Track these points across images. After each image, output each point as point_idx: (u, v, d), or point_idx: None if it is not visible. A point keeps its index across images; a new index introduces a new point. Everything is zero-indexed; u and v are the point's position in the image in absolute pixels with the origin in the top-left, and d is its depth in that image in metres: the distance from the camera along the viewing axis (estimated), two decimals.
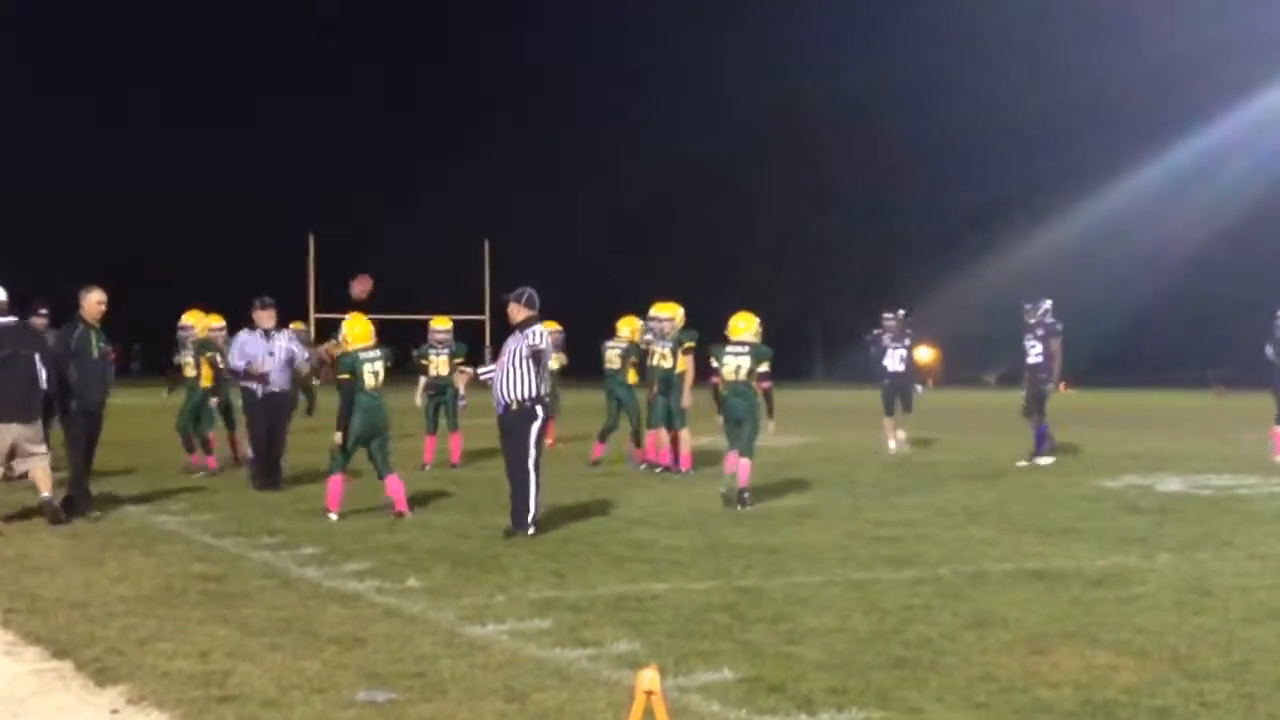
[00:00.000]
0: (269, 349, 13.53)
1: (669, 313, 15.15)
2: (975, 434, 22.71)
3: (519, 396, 10.13)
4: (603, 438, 16.56)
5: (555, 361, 16.43)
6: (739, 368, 12.08)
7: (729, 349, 12.23)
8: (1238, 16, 58.03)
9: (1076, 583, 8.03)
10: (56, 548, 9.49)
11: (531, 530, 9.91)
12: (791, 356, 69.30)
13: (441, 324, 16.61)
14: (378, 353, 11.36)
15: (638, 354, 16.30)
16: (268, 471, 13.32)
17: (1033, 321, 16.83)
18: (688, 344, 14.96)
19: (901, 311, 19.08)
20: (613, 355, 16.78)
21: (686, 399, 14.84)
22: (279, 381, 13.60)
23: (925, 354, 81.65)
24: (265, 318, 13.65)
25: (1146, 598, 7.56)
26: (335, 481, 11.08)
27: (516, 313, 10.35)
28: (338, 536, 9.93)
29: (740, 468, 11.99)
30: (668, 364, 15.00)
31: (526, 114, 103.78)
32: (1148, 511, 11.62)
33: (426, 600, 7.47)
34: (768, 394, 12.05)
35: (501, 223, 65.00)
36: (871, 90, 72.82)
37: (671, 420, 15.12)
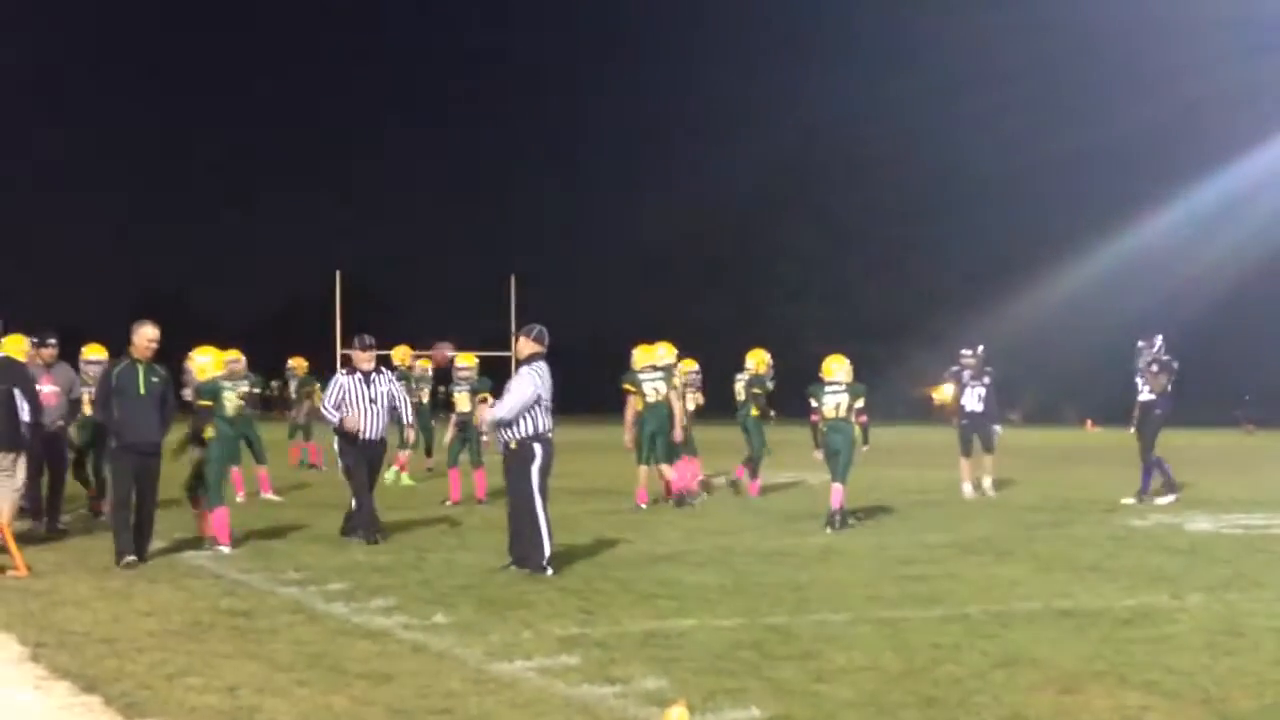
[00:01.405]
0: (369, 396, 12.09)
1: (658, 354, 15.83)
2: (1001, 471, 22.55)
3: (519, 435, 10.04)
4: (754, 473, 17.07)
5: (692, 401, 17.08)
6: (839, 405, 13.53)
7: (828, 388, 13.64)
8: (1261, 58, 58.05)
9: (1106, 622, 7.98)
10: (85, 582, 9.52)
11: (549, 571, 9.75)
12: None
13: (466, 361, 16.79)
14: (235, 383, 11.49)
15: (761, 386, 17.25)
16: (370, 520, 11.94)
17: (1147, 359, 16.64)
18: (675, 382, 15.72)
19: (980, 348, 18.09)
20: (739, 388, 17.35)
21: (678, 433, 15.57)
22: (378, 430, 12.15)
23: (949, 392, 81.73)
24: (364, 359, 12.31)
25: (1177, 638, 7.50)
26: (222, 514, 11.28)
27: (525, 347, 10.30)
28: (364, 572, 9.94)
29: (834, 492, 13.32)
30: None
31: (555, 159, 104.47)
32: (1177, 551, 11.53)
33: (453, 637, 7.46)
34: (864, 425, 13.56)
35: (528, 262, 65.33)
36: (891, 132, 73.05)
37: (671, 453, 15.63)
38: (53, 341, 13.37)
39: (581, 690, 6.20)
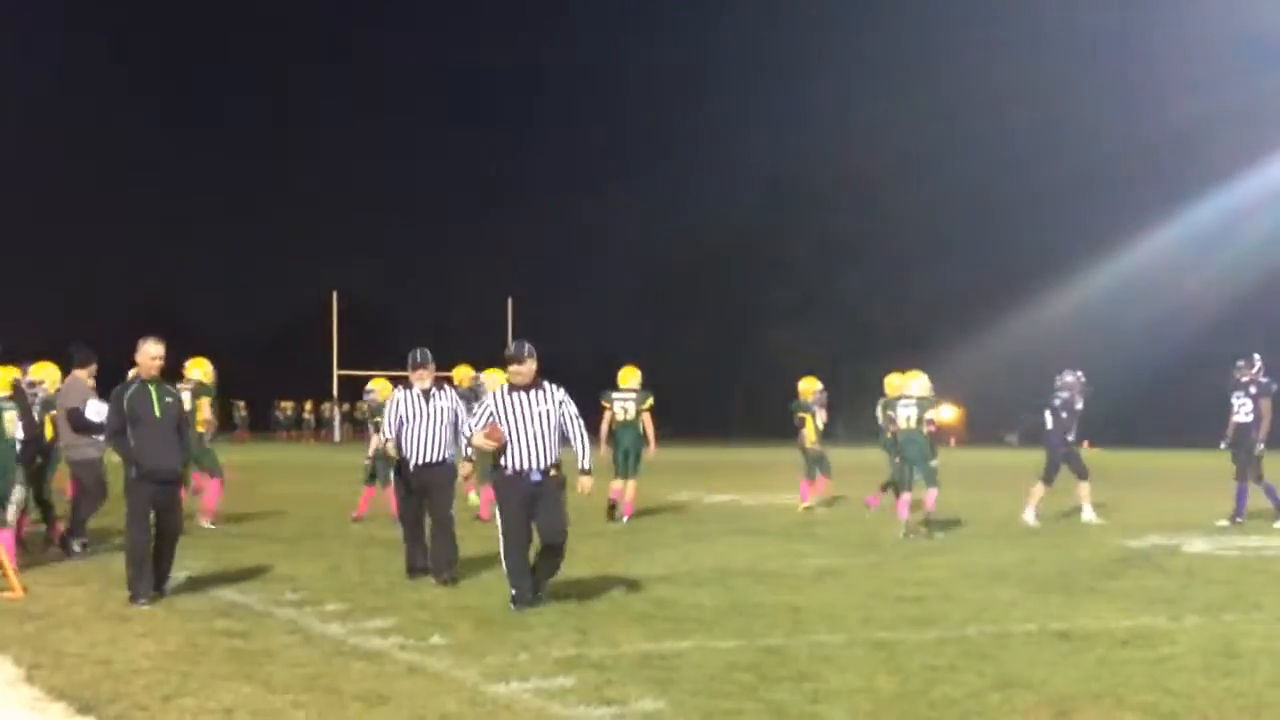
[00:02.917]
0: (426, 412, 11.01)
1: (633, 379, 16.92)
2: (998, 493, 22.57)
3: (554, 460, 9.50)
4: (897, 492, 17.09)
5: (820, 419, 18.71)
6: (909, 417, 14.97)
7: (900, 402, 15.19)
8: (1256, 80, 58.29)
9: (1102, 644, 7.98)
10: (81, 604, 9.52)
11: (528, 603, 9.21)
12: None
13: (464, 382, 16.90)
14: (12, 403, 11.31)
15: (805, 410, 18.54)
16: (423, 554, 10.98)
17: (1245, 379, 16.49)
18: (649, 403, 16.76)
19: (1080, 373, 17.25)
20: (880, 412, 17.76)
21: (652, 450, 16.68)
22: (437, 452, 10.96)
23: (948, 414, 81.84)
24: (416, 377, 11.16)
25: (1174, 659, 7.51)
26: (7, 536, 10.95)
27: (529, 368, 9.51)
28: (361, 593, 9.94)
29: (927, 495, 14.88)
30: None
31: (550, 178, 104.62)
32: (1174, 572, 11.54)
33: (450, 658, 7.46)
34: (931, 436, 14.90)
35: (525, 283, 65.47)
36: (889, 151, 73.18)
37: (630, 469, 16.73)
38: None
39: (578, 712, 6.20)
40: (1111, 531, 15.42)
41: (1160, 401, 61.84)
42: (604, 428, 16.79)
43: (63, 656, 7.51)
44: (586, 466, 9.61)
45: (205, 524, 15.16)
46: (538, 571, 9.51)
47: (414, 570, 10.91)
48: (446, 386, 11.44)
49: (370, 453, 16.32)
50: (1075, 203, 69.11)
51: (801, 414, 18.80)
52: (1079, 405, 16.89)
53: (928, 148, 71.03)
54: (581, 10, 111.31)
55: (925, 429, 14.90)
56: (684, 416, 25.73)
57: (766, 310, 74.87)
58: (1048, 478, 16.72)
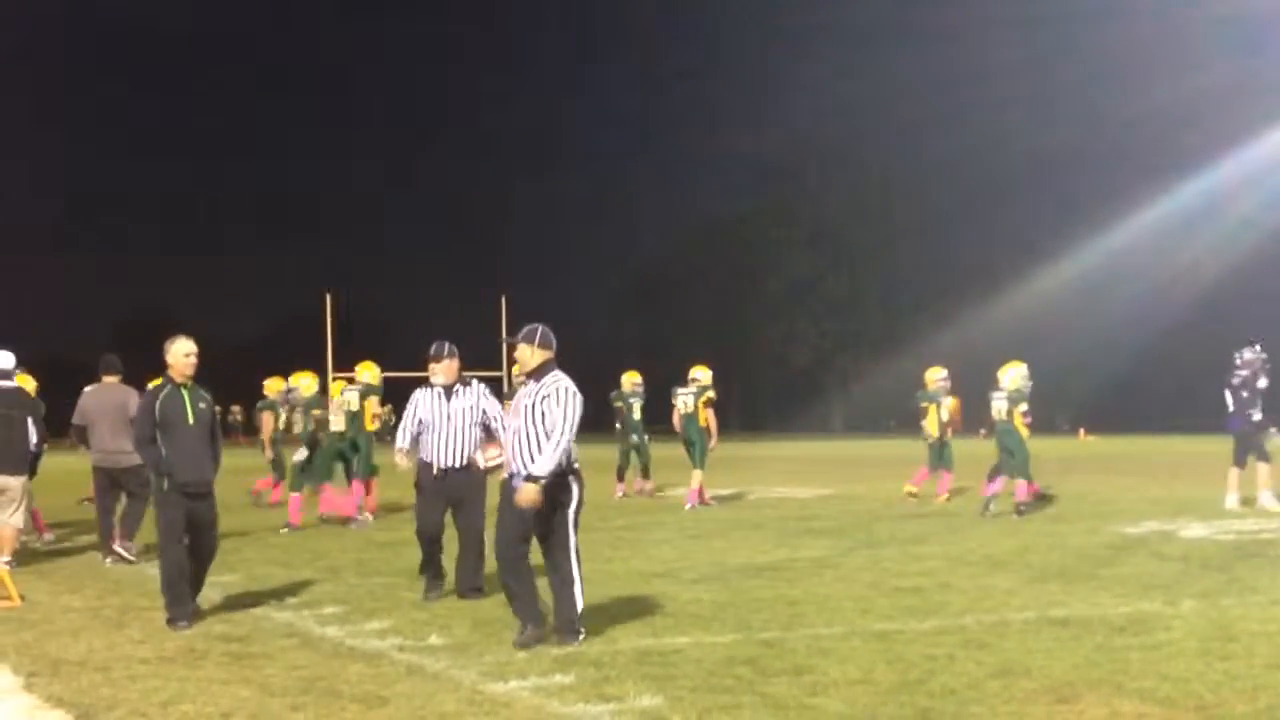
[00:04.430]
0: (446, 412, 9.85)
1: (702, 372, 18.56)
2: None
3: (471, 458, 9.51)
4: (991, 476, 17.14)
5: (946, 411, 18.62)
6: (999, 409, 15.88)
7: (994, 395, 16.00)
8: (1242, 58, 58.36)
9: (1100, 630, 7.99)
10: (79, 610, 9.51)
11: (582, 634, 7.86)
12: (808, 408, 69.54)
13: (273, 393, 18.28)
14: None
15: (930, 399, 18.61)
16: (441, 578, 9.87)
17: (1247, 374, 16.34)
18: (706, 397, 18.09)
19: (1259, 347, 16.81)
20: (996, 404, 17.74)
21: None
22: (463, 454, 9.83)
23: (948, 403, 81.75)
24: (440, 371, 9.99)
25: (1171, 645, 7.52)
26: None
27: (535, 355, 8.01)
28: (359, 595, 9.94)
29: (1017, 487, 15.65)
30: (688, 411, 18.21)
31: (540, 173, 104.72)
32: (1170, 558, 11.55)
33: (448, 658, 7.46)
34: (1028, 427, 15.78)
35: (516, 279, 65.44)
36: (876, 135, 73.21)
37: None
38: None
39: (577, 709, 6.20)
40: (1108, 518, 15.43)
41: (1152, 381, 61.88)
42: (675, 421, 18.41)
43: (60, 664, 7.50)
44: (533, 473, 7.73)
45: (362, 519, 16.09)
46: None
47: (433, 593, 9.70)
48: (475, 382, 10.15)
49: (296, 457, 16.15)
50: (1063, 182, 69.15)
51: (925, 404, 18.60)
52: (1262, 383, 16.55)
53: (913, 130, 71.06)
54: (571, 8, 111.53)
55: (1022, 420, 15.63)
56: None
57: (760, 301, 74.94)
58: (1239, 460, 16.47)
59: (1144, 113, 62.38)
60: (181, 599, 8.73)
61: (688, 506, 17.66)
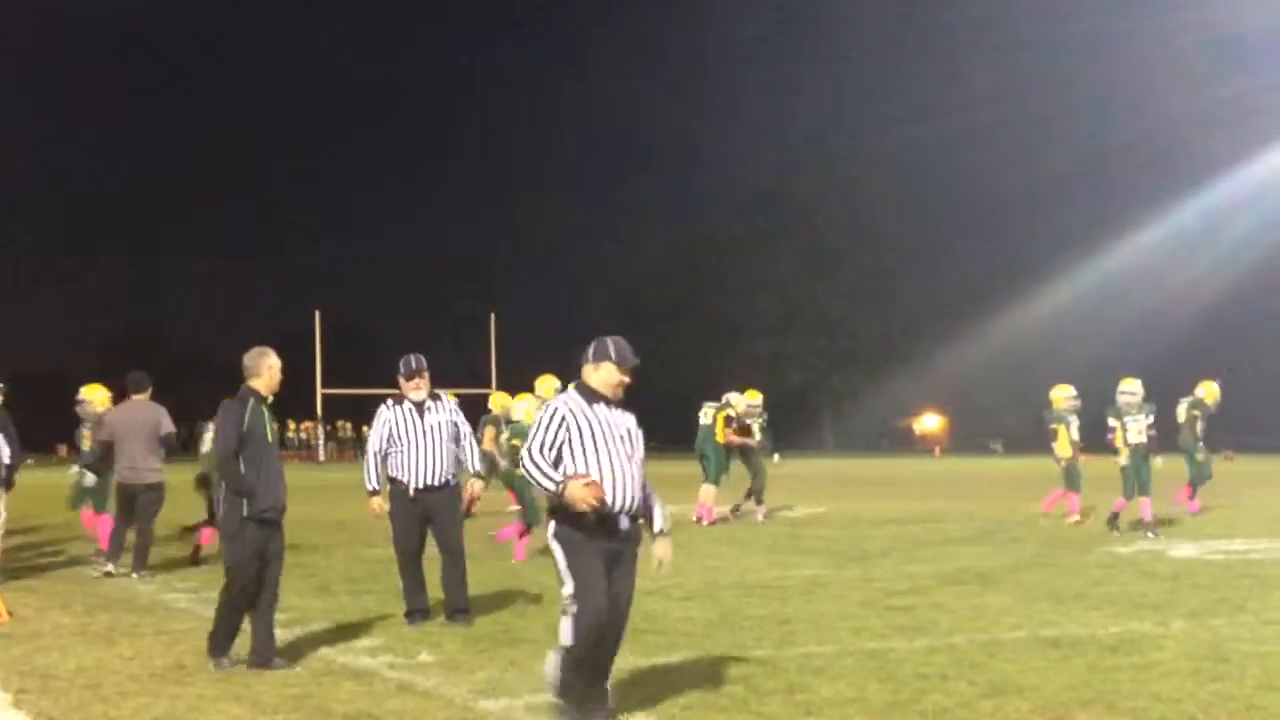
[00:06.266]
0: (422, 429, 9.54)
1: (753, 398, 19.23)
2: (985, 501, 22.63)
3: (449, 474, 9.56)
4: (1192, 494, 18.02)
5: (1077, 430, 17.86)
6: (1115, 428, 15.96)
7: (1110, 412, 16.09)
8: (1239, 79, 58.59)
9: (1092, 650, 8.00)
10: (68, 627, 9.46)
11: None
12: (800, 426, 69.51)
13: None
14: None
15: (1059, 420, 17.95)
16: (423, 595, 9.51)
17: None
18: (727, 412, 18.44)
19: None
20: (1181, 412, 18.31)
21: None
22: (441, 472, 9.54)
23: (933, 422, 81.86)
24: (415, 387, 9.66)
25: (1163, 664, 7.52)
26: None
27: (611, 374, 6.48)
28: (349, 613, 9.91)
29: (1141, 505, 15.66)
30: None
31: (533, 191, 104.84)
32: (1161, 577, 11.56)
33: (439, 675, 7.44)
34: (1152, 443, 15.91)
35: (508, 298, 65.49)
36: (872, 156, 73.33)
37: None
38: None
39: None
40: (1098, 537, 15.44)
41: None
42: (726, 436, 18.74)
43: (50, 680, 7.47)
44: (665, 529, 6.62)
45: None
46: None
47: (415, 614, 9.41)
48: (444, 397, 9.90)
49: (73, 470, 14.82)
50: (1059, 204, 69.31)
51: (1054, 425, 17.85)
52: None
53: (909, 151, 71.18)
54: (568, 19, 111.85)
55: (1146, 437, 15.75)
56: (671, 428, 25.84)
57: (753, 319, 74.94)
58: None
59: (1141, 134, 62.67)
60: (234, 634, 7.97)
61: (700, 521, 17.77)
